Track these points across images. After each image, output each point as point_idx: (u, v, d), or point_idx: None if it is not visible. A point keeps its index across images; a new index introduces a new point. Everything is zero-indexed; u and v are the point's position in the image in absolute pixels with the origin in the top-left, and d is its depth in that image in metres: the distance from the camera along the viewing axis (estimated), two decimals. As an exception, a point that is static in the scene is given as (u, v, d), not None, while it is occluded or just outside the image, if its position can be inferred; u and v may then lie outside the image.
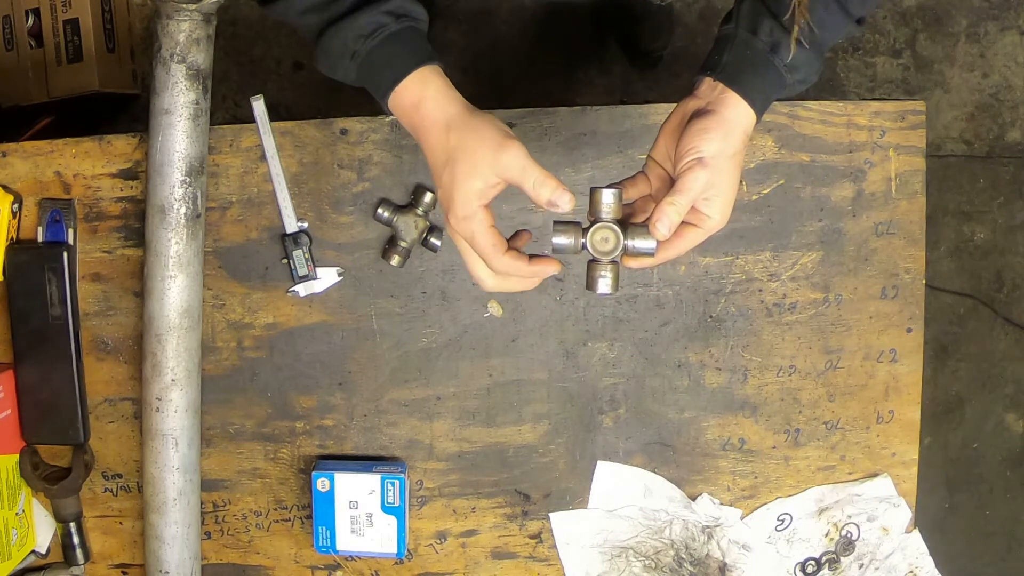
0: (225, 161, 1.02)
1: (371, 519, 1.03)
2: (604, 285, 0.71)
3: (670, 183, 0.74)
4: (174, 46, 0.90)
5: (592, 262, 0.71)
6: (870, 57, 1.93)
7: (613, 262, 0.71)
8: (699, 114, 0.73)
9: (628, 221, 0.74)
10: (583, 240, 0.71)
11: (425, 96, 0.71)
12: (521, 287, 0.74)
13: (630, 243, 0.71)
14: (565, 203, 0.68)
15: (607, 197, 0.70)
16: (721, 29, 0.77)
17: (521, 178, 0.68)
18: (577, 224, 0.71)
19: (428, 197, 1.00)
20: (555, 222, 0.71)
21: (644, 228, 0.71)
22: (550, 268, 0.72)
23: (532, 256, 0.72)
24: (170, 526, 1.00)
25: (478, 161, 0.68)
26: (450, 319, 1.05)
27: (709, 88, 0.75)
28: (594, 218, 0.71)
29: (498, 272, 0.71)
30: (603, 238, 0.71)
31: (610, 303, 1.05)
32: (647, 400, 1.07)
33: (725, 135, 0.72)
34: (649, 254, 0.72)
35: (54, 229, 1.01)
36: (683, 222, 0.72)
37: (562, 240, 0.71)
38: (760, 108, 0.74)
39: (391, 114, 0.75)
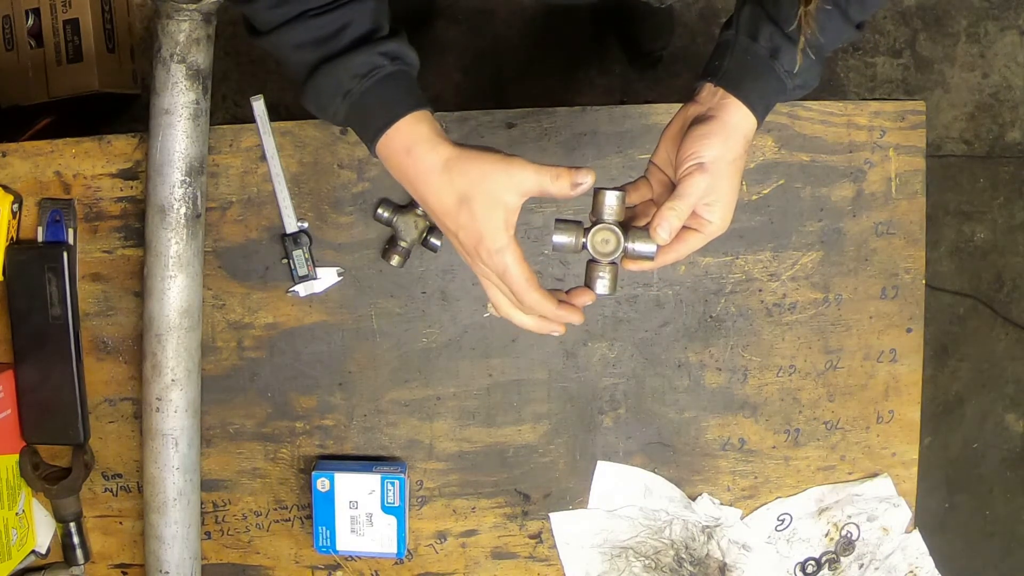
0: (225, 161, 1.02)
1: (371, 519, 1.03)
2: (602, 286, 0.71)
3: (671, 188, 0.74)
4: (174, 46, 0.90)
5: (591, 262, 0.72)
6: (870, 57, 1.93)
7: (612, 263, 0.71)
8: (700, 119, 0.73)
9: (629, 224, 0.74)
10: (584, 240, 0.71)
11: (418, 139, 0.69)
12: (545, 329, 0.73)
13: (630, 246, 0.71)
14: (586, 177, 0.67)
15: (610, 199, 0.70)
16: (721, 35, 0.78)
17: (538, 182, 0.67)
18: (579, 224, 0.71)
19: (428, 197, 1.00)
20: (557, 220, 0.71)
21: (645, 232, 0.71)
22: (575, 317, 0.71)
23: (560, 301, 0.71)
24: (170, 526, 1.00)
25: (493, 188, 0.67)
26: (450, 319, 1.05)
27: (710, 94, 0.75)
28: (596, 219, 0.71)
29: (526, 308, 0.70)
30: (604, 239, 0.71)
31: (610, 303, 1.05)
32: (647, 400, 1.07)
33: (726, 140, 0.72)
34: (649, 258, 0.72)
35: (54, 229, 1.01)
36: (684, 227, 0.72)
37: (563, 239, 0.71)
38: (761, 113, 0.74)
39: (376, 157, 0.73)
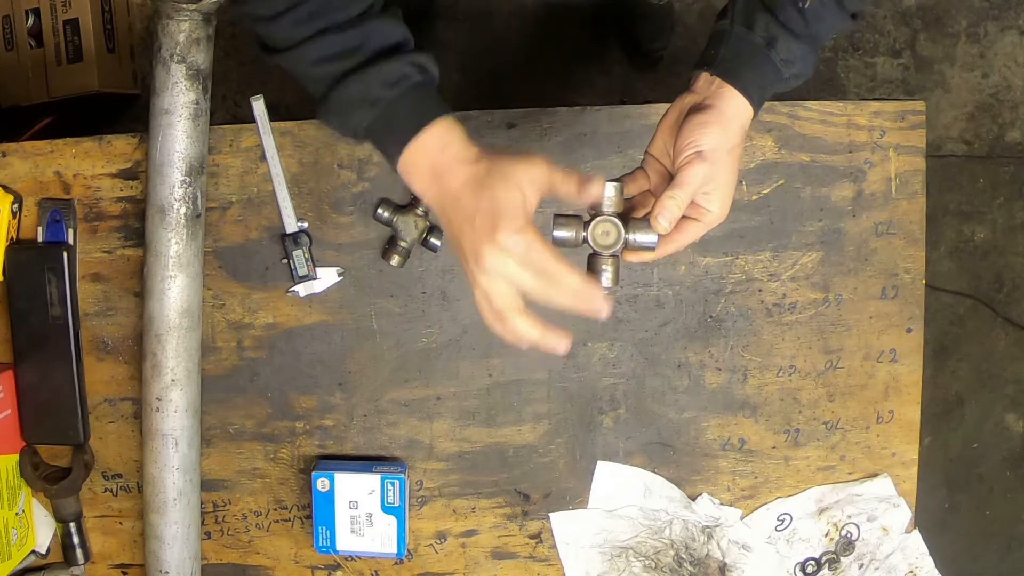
0: (225, 161, 1.02)
1: (371, 519, 1.03)
2: (605, 279, 0.71)
3: (668, 178, 0.75)
4: (174, 46, 0.90)
5: (593, 256, 0.72)
6: (870, 57, 1.93)
7: (614, 256, 0.71)
8: (697, 109, 0.74)
9: (629, 215, 0.74)
10: (584, 233, 0.71)
11: (455, 138, 0.71)
12: (585, 307, 0.67)
13: (631, 237, 0.71)
14: (595, 187, 0.68)
15: (609, 191, 0.70)
16: (716, 24, 0.78)
17: (549, 179, 0.68)
18: (578, 217, 0.72)
19: (428, 197, 1.00)
20: (556, 215, 0.72)
21: (645, 222, 0.71)
22: (599, 290, 0.68)
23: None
24: (170, 526, 1.00)
25: (514, 174, 0.67)
26: (450, 319, 1.05)
27: (706, 83, 0.75)
28: (595, 212, 0.71)
29: (556, 282, 0.66)
30: (604, 231, 0.71)
31: (610, 303, 1.05)
32: (647, 400, 1.07)
33: (723, 129, 0.72)
34: (650, 248, 0.72)
35: (54, 229, 1.01)
36: (683, 216, 0.73)
37: (563, 233, 0.71)
38: (757, 102, 0.74)
39: (395, 168, 0.72)
